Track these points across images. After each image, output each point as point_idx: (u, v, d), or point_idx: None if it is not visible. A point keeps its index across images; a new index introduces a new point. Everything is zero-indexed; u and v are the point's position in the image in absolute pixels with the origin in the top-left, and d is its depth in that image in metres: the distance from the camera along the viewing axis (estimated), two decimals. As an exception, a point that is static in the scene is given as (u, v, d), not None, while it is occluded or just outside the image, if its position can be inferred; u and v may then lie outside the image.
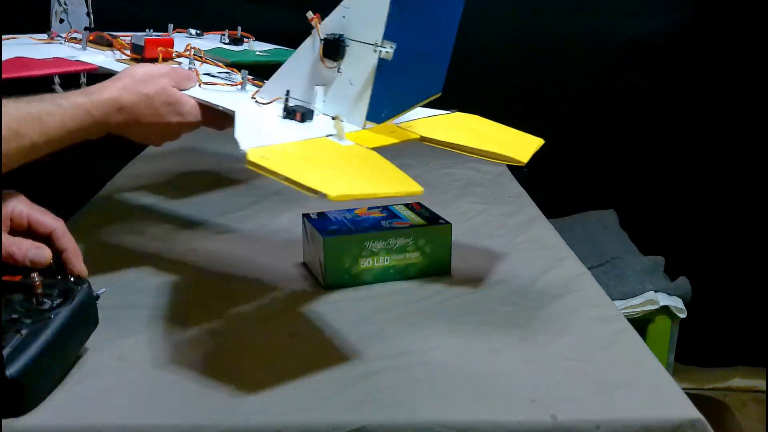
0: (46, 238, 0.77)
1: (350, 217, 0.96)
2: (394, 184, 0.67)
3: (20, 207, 0.78)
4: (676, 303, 1.72)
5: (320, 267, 0.91)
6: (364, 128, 0.80)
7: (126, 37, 1.08)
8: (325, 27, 0.82)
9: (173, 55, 1.01)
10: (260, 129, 0.77)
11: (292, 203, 1.22)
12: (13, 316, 0.67)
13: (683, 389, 0.70)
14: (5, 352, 0.63)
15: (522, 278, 0.94)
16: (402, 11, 0.76)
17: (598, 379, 0.71)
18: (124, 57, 1.03)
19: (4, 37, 1.13)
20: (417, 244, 0.93)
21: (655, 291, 1.72)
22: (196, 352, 0.77)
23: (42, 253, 0.74)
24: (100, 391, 0.69)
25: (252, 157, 0.62)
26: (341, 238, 0.90)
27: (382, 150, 0.76)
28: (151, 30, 1.12)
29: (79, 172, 1.90)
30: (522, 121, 2.22)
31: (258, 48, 1.26)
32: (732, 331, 2.06)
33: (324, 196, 0.59)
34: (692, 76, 2.05)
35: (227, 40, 1.25)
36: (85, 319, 0.73)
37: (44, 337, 0.66)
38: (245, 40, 1.26)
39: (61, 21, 1.91)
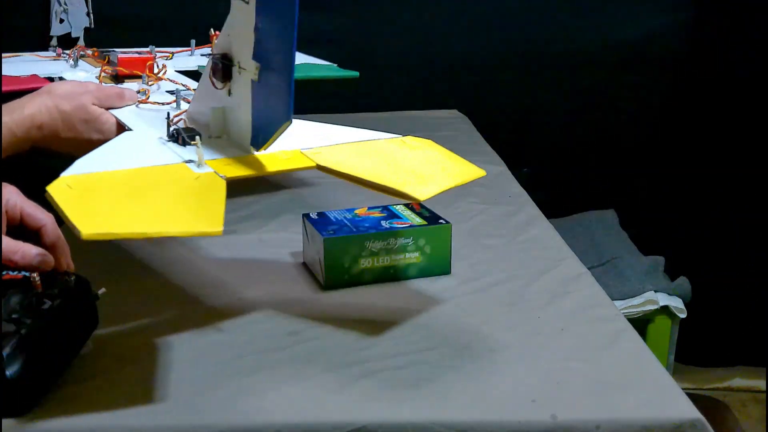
0: (35, 232, 0.78)
1: (350, 217, 0.96)
2: (184, 221, 0.64)
3: (14, 199, 0.79)
4: (676, 303, 1.73)
5: (320, 267, 0.91)
6: (251, 153, 0.77)
7: (135, 51, 1.10)
8: (217, 45, 0.80)
9: (142, 74, 1.04)
10: (114, 153, 0.75)
11: (292, 203, 1.22)
12: (13, 316, 0.67)
13: (683, 389, 0.70)
14: (5, 352, 0.63)
15: (522, 278, 0.94)
16: (264, 28, 0.71)
17: (598, 379, 0.71)
18: (103, 75, 1.05)
19: (10, 54, 1.15)
20: (417, 244, 0.93)
21: (655, 291, 1.72)
22: (195, 352, 0.77)
23: (47, 260, 0.74)
24: (100, 391, 0.69)
25: (53, 186, 0.63)
26: (341, 238, 0.90)
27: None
28: (154, 47, 1.13)
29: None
30: (522, 122, 2.23)
31: (297, 60, 1.26)
32: (732, 331, 2.06)
33: (78, 233, 0.58)
34: (692, 76, 2.05)
35: None
36: (85, 319, 0.73)
37: (44, 337, 0.66)
38: None
39: (61, 21, 1.91)
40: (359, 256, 0.91)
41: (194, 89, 0.96)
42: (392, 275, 0.93)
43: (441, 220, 0.96)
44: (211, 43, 0.81)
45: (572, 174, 2.13)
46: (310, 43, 1.95)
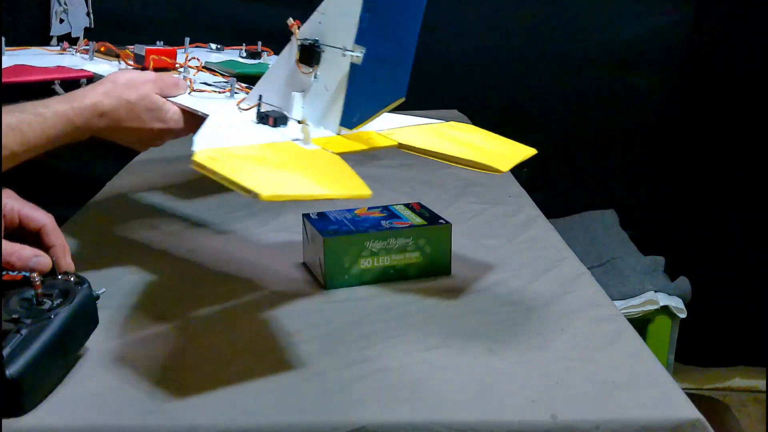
0: (35, 234, 0.78)
1: (350, 217, 0.96)
2: (338, 186, 0.67)
3: (11, 203, 0.79)
4: (676, 303, 1.73)
5: (320, 267, 0.91)
6: (339, 134, 0.80)
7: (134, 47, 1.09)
8: (302, 33, 0.82)
9: (175, 65, 1.02)
10: (224, 132, 0.77)
11: (292, 203, 1.22)
12: (13, 316, 0.67)
13: (683, 389, 0.70)
14: (5, 352, 0.63)
15: (522, 278, 0.94)
16: (371, 15, 0.76)
17: (598, 379, 0.71)
18: (127, 67, 1.03)
19: (16, 47, 1.14)
20: (417, 244, 0.93)
21: (655, 291, 1.72)
22: (195, 352, 0.77)
23: (43, 261, 0.74)
24: (100, 391, 0.69)
25: (198, 157, 0.63)
26: (341, 238, 0.90)
27: (366, 154, 0.78)
28: (162, 42, 1.13)
29: (78, 172, 1.91)
30: (522, 122, 2.23)
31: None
32: (732, 331, 2.06)
33: (256, 195, 0.58)
34: (692, 75, 2.05)
35: (245, 54, 1.26)
36: (85, 319, 0.73)
37: (44, 337, 0.66)
38: (263, 54, 1.27)
39: (61, 21, 1.91)
40: (359, 256, 0.91)
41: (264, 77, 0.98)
42: (392, 275, 0.93)
43: (441, 220, 0.96)
44: (293, 30, 0.83)
45: (572, 174, 2.13)
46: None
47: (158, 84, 0.89)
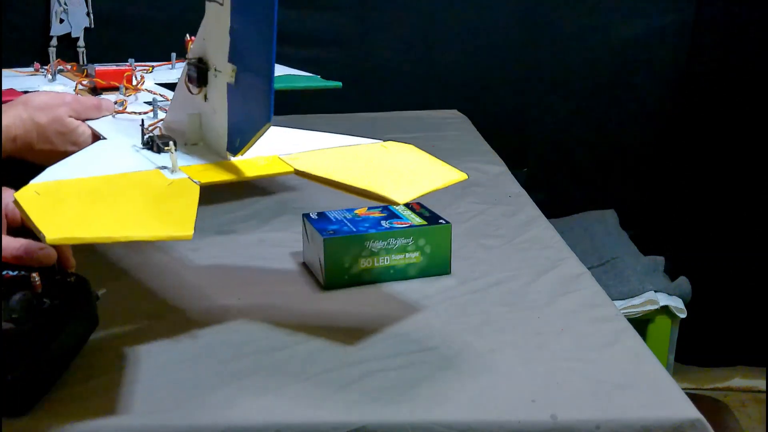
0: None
1: (350, 217, 0.96)
2: (153, 226, 0.63)
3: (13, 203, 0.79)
4: (676, 303, 1.73)
5: (320, 267, 0.91)
6: (227, 159, 0.76)
7: (113, 65, 1.10)
8: (192, 50, 0.78)
9: (123, 85, 1.04)
10: (87, 161, 0.74)
11: (292, 203, 1.22)
12: (13, 316, 0.67)
13: (683, 389, 0.70)
14: (5, 352, 0.63)
15: (522, 278, 0.94)
16: (237, 31, 0.69)
17: (598, 379, 0.71)
18: (80, 87, 1.05)
19: None
20: (417, 244, 0.93)
21: (655, 291, 1.72)
22: (195, 352, 0.77)
23: (49, 253, 0.74)
24: (100, 391, 0.69)
25: (20, 193, 0.62)
26: (341, 238, 0.90)
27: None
28: (133, 60, 1.13)
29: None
30: (522, 122, 2.23)
31: (278, 72, 1.26)
32: (732, 331, 2.06)
33: (43, 237, 0.57)
34: (692, 76, 2.05)
35: None
36: (85, 319, 0.73)
37: (44, 337, 0.66)
38: None
39: (61, 21, 1.91)
40: (359, 256, 0.91)
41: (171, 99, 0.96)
42: (392, 275, 0.93)
43: (441, 220, 0.96)
44: (186, 48, 0.79)
45: (572, 174, 2.13)
46: (311, 43, 1.97)
47: (73, 106, 0.89)
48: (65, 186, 0.67)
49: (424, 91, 2.06)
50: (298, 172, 0.76)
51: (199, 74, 0.77)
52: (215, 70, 0.75)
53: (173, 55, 1.26)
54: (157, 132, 0.82)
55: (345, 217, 0.96)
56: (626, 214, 2.05)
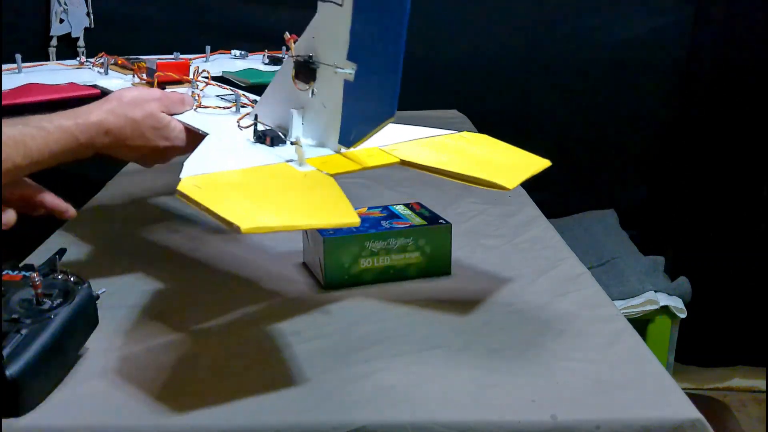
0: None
1: (350, 217, 0.96)
2: (323, 214, 0.66)
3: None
4: (676, 303, 1.73)
5: (320, 267, 0.91)
6: (338, 152, 0.78)
7: (155, 59, 1.09)
8: (297, 48, 0.80)
9: (187, 78, 1.03)
10: (216, 156, 0.76)
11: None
12: (13, 316, 0.67)
13: (683, 389, 0.70)
14: (5, 352, 0.63)
15: (522, 278, 0.94)
16: (361, 31, 0.72)
17: (598, 379, 0.71)
18: (139, 81, 1.04)
19: (32, 64, 1.14)
20: (417, 244, 0.93)
21: (655, 291, 1.72)
22: (195, 352, 0.77)
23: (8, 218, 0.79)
24: (100, 391, 0.69)
25: (183, 186, 0.63)
26: (341, 238, 0.90)
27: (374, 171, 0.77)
28: (179, 54, 1.12)
29: (78, 173, 1.91)
30: (522, 122, 2.23)
31: None
32: (732, 331, 2.06)
33: (237, 229, 0.58)
34: (692, 76, 2.05)
35: (267, 60, 1.25)
36: (85, 319, 0.73)
37: (44, 337, 0.66)
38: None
39: (61, 21, 1.91)
40: (359, 256, 0.91)
41: (243, 93, 0.96)
42: (392, 275, 0.93)
43: (441, 220, 0.96)
44: (288, 46, 0.80)
45: (572, 174, 2.13)
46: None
47: (163, 102, 0.89)
48: (218, 179, 0.69)
49: (424, 91, 2.06)
50: (404, 162, 0.79)
51: (309, 71, 0.79)
52: (334, 66, 0.76)
53: (207, 48, 1.25)
54: (263, 126, 0.83)
55: (345, 217, 0.96)
56: (626, 214, 2.05)
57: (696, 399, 0.68)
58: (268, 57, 1.25)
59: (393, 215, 0.97)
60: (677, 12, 2.01)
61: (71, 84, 1.05)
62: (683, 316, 1.72)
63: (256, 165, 0.75)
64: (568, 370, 0.73)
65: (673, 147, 2.09)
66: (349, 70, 0.74)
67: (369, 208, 1.00)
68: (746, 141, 1.99)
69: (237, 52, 1.28)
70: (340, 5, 0.74)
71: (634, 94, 2.07)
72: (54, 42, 1.91)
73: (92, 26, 1.93)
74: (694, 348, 2.00)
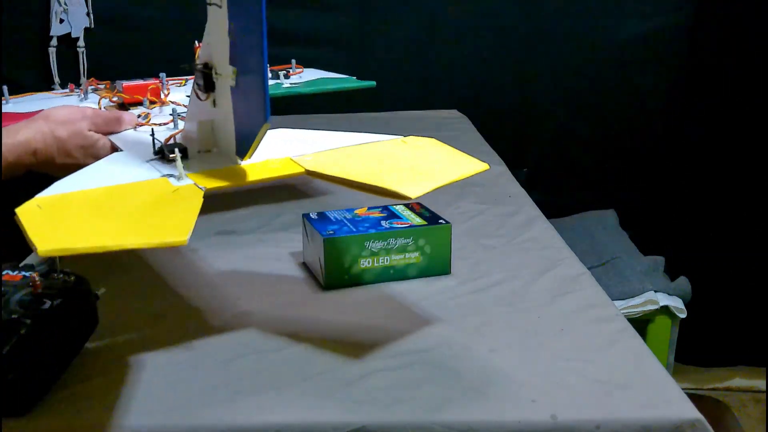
0: None
1: (350, 217, 0.96)
2: (148, 234, 0.63)
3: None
4: (676, 303, 1.72)
5: (320, 267, 0.91)
6: (237, 164, 0.76)
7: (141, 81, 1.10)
8: (200, 56, 0.78)
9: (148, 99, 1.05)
10: (95, 174, 0.74)
11: (292, 203, 1.22)
12: (13, 316, 0.67)
13: (683, 389, 0.70)
14: (5, 352, 0.63)
15: (522, 278, 0.94)
16: (236, 31, 0.69)
17: (598, 379, 0.71)
18: (109, 104, 1.05)
19: (21, 95, 1.15)
20: (417, 244, 0.93)
21: (655, 291, 1.72)
22: (195, 352, 0.77)
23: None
24: (100, 391, 0.69)
25: (21, 208, 0.62)
26: (341, 238, 0.90)
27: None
28: (164, 75, 1.13)
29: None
30: (522, 122, 2.23)
31: (310, 77, 1.26)
32: (732, 331, 2.06)
33: (35, 249, 0.57)
34: (692, 76, 2.05)
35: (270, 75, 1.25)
36: (85, 319, 0.73)
37: (44, 337, 0.66)
38: (291, 72, 1.25)
39: (61, 21, 1.91)
40: (359, 256, 0.91)
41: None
42: (392, 275, 0.93)
43: (441, 220, 0.96)
44: (195, 54, 0.79)
45: (572, 174, 2.13)
46: (312, 43, 1.96)
47: (94, 120, 0.90)
48: (68, 198, 0.67)
49: (424, 91, 2.06)
50: (309, 173, 0.75)
51: (206, 80, 0.77)
52: (217, 73, 0.75)
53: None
54: (171, 141, 0.82)
55: (345, 217, 0.96)
56: (626, 214, 2.05)
57: (696, 399, 0.68)
58: (270, 71, 1.25)
59: (393, 215, 0.97)
60: (677, 12, 2.01)
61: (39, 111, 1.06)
62: (683, 316, 1.72)
63: (132, 181, 0.72)
64: (568, 370, 0.73)
65: (673, 147, 2.09)
66: (231, 75, 0.71)
67: (369, 208, 1.00)
68: (746, 141, 1.98)
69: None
70: (219, 6, 0.71)
71: (634, 94, 2.07)
72: (54, 42, 1.91)
73: (92, 26, 1.93)
74: (694, 348, 2.00)
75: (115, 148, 0.89)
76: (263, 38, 0.64)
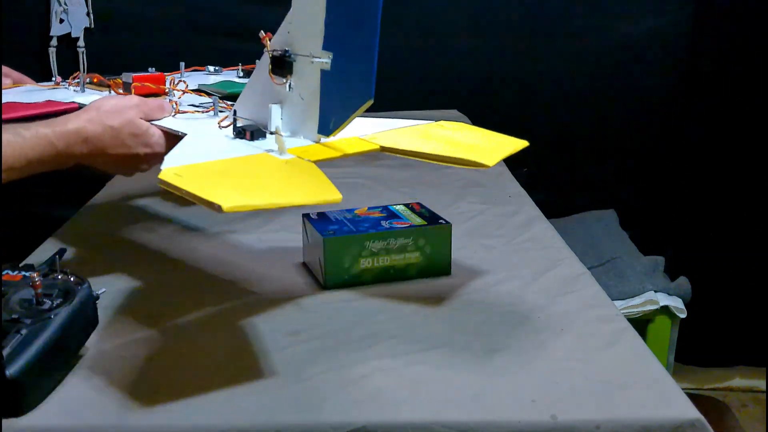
0: None
1: (350, 217, 0.96)
2: (305, 193, 0.67)
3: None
4: (676, 303, 1.72)
5: (320, 267, 0.91)
6: (318, 142, 0.80)
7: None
8: (273, 44, 0.82)
9: (162, 90, 1.03)
10: (197, 150, 0.76)
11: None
12: (13, 316, 0.67)
13: (683, 389, 0.70)
14: (5, 352, 0.63)
15: (522, 278, 0.94)
16: (334, 20, 0.75)
17: (598, 379, 0.71)
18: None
19: (11, 85, 1.15)
20: (417, 244, 0.93)
21: (655, 291, 1.72)
22: (195, 352, 0.77)
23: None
24: (100, 391, 0.69)
25: (164, 175, 0.63)
26: (341, 238, 0.90)
27: (369, 154, 0.79)
28: (154, 69, 1.13)
29: (78, 173, 1.91)
30: (522, 121, 2.22)
31: None
32: (732, 331, 2.06)
33: (218, 208, 0.58)
34: (692, 75, 2.05)
35: (241, 74, 1.26)
36: (85, 319, 0.73)
37: (44, 337, 0.66)
38: None
39: (61, 21, 1.91)
40: (359, 256, 0.91)
41: (221, 99, 0.97)
42: (392, 275, 0.93)
43: (441, 220, 0.96)
44: (264, 43, 0.82)
45: (572, 174, 2.13)
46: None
47: (142, 108, 0.89)
48: (199, 168, 0.69)
49: (424, 91, 2.06)
50: (384, 149, 0.80)
51: (286, 65, 0.81)
52: (310, 56, 0.78)
53: (182, 64, 1.25)
54: (239, 123, 0.84)
55: (345, 217, 0.96)
56: (626, 214, 2.05)
57: (696, 399, 0.68)
58: (243, 71, 1.26)
59: (393, 215, 0.97)
60: (677, 12, 2.01)
61: (49, 101, 1.05)
62: (683, 316, 1.72)
63: (236, 156, 0.75)
64: (568, 370, 0.73)
65: (673, 147, 2.09)
66: (325, 60, 0.76)
67: (369, 208, 1.00)
68: (746, 141, 1.99)
69: (212, 68, 1.29)
70: None
71: (634, 93, 2.07)
72: (54, 42, 1.91)
73: (92, 26, 1.93)
74: (694, 348, 2.00)
75: (167, 134, 0.89)
76: (377, 26, 0.73)
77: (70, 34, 1.92)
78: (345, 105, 0.77)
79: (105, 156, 0.87)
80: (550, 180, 2.08)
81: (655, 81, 2.06)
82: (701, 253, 2.04)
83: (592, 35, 2.03)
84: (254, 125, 0.82)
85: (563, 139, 2.11)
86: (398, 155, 0.81)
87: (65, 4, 1.90)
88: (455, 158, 0.77)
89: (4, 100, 1.04)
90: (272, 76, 0.82)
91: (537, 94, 2.07)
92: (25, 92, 1.13)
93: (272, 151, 0.77)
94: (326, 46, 0.76)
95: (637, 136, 2.10)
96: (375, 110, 2.02)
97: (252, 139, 0.80)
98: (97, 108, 0.87)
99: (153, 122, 0.90)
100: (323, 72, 0.77)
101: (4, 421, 0.64)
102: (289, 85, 0.82)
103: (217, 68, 1.29)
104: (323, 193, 0.65)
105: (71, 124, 0.84)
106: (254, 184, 0.69)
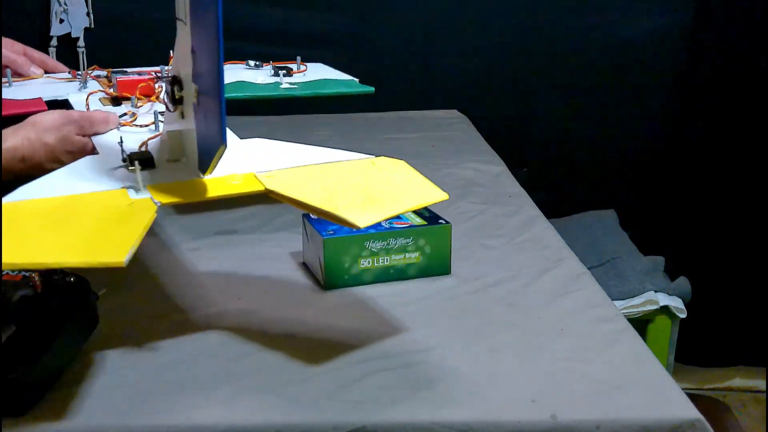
0: None
1: (350, 217, 0.96)
2: (86, 252, 0.62)
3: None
4: (676, 303, 1.72)
5: (320, 267, 0.91)
6: (200, 177, 0.74)
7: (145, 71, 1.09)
8: (172, 67, 0.77)
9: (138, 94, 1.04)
10: (63, 179, 0.73)
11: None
12: (13, 316, 0.67)
13: (683, 389, 0.70)
14: (5, 351, 0.63)
15: (522, 278, 0.94)
16: (197, 49, 0.68)
17: (598, 379, 0.71)
18: (105, 97, 1.06)
19: (23, 78, 1.15)
20: (417, 244, 0.93)
21: (655, 291, 1.72)
22: (195, 352, 0.77)
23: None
24: (100, 391, 0.69)
25: None
26: (341, 238, 0.90)
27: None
28: (164, 67, 1.12)
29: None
30: (522, 122, 2.22)
31: (314, 75, 1.25)
32: (732, 331, 2.06)
33: None
34: (692, 76, 2.05)
35: (272, 72, 1.23)
36: (85, 319, 0.73)
37: (44, 337, 0.66)
38: (294, 70, 1.24)
39: (61, 21, 1.91)
40: (359, 256, 0.91)
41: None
42: (392, 275, 0.93)
43: (441, 221, 0.96)
44: (170, 63, 0.79)
45: (572, 174, 2.13)
46: (311, 43, 1.96)
47: (81, 123, 0.90)
48: (26, 207, 0.66)
49: (424, 91, 2.06)
50: (268, 191, 0.73)
51: (172, 91, 0.76)
52: (182, 88, 0.74)
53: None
54: (144, 147, 0.81)
55: (345, 217, 0.96)
56: (626, 214, 2.05)
57: (696, 399, 0.68)
58: (273, 68, 1.24)
59: (393, 215, 0.97)
60: (677, 12, 2.01)
61: (36, 100, 1.05)
62: (683, 316, 1.72)
63: (92, 190, 0.71)
64: (568, 370, 0.73)
65: (673, 147, 2.09)
66: (194, 93, 0.70)
67: (369, 208, 0.99)
68: (746, 141, 1.98)
69: (252, 63, 1.27)
70: (185, 23, 0.71)
71: (634, 94, 2.07)
72: (54, 42, 1.91)
73: (92, 26, 1.93)
74: (694, 348, 2.00)
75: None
76: (220, 61, 0.62)
77: (70, 34, 1.92)
78: (210, 146, 0.69)
79: (43, 172, 0.87)
80: (550, 180, 2.08)
81: (655, 81, 2.06)
82: (701, 253, 2.04)
83: (592, 35, 2.03)
84: (143, 153, 0.77)
85: (563, 139, 2.11)
86: (282, 201, 0.73)
87: (65, 4, 1.90)
88: (329, 213, 0.69)
89: (18, 94, 1.05)
90: (165, 102, 0.78)
91: (537, 94, 2.07)
92: (40, 85, 1.14)
93: (130, 186, 0.71)
94: (194, 78, 0.70)
95: (637, 136, 2.10)
96: (377, 110, 2.03)
97: (143, 168, 0.74)
98: (33, 124, 0.89)
99: (96, 135, 0.90)
100: (194, 106, 0.71)
101: (4, 421, 0.64)
102: (182, 114, 0.76)
103: (257, 63, 1.27)
104: (106, 253, 0.61)
105: (9, 141, 0.86)
106: (47, 236, 0.63)
